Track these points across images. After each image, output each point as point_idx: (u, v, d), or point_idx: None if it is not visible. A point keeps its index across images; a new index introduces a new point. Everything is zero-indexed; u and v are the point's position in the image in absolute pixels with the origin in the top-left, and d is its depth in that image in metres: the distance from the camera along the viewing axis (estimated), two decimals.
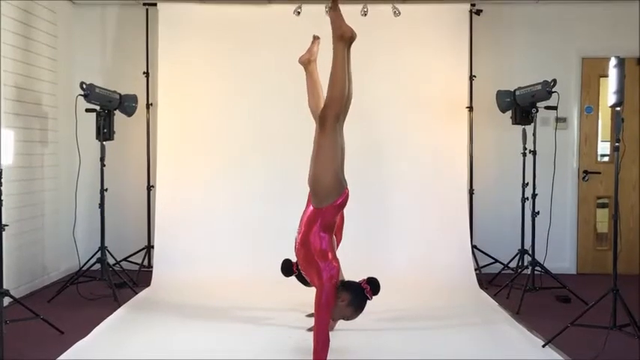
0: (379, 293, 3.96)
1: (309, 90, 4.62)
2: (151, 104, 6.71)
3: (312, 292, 4.13)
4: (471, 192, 6.70)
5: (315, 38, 4.75)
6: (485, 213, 6.82)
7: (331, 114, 3.90)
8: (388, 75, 6.52)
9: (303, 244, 4.01)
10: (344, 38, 3.95)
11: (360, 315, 4.02)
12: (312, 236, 3.96)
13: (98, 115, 5.65)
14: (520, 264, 6.15)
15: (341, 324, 4.32)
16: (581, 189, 6.93)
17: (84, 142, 5.88)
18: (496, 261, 6.53)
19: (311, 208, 4.05)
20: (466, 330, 4.74)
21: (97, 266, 5.76)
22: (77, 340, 4.32)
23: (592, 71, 6.84)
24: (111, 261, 5.99)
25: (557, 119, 6.13)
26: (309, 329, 4.36)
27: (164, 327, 4.75)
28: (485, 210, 6.82)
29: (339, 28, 3.98)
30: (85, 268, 5.75)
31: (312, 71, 4.66)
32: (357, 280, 4.00)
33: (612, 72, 4.27)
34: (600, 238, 6.96)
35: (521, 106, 5.89)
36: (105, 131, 5.70)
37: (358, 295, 3.94)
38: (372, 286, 3.94)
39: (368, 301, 3.98)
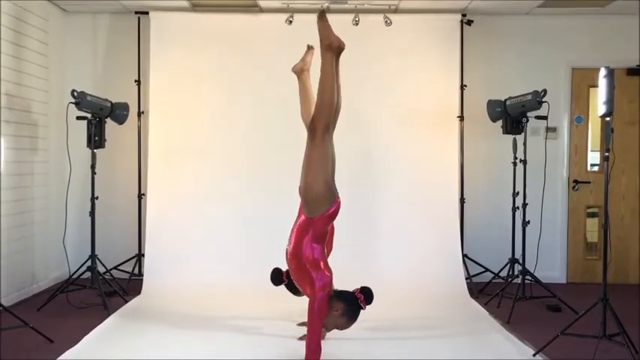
0: (372, 302, 3.97)
1: (302, 99, 4.63)
2: (143, 112, 6.70)
3: (302, 301, 4.14)
4: (462, 201, 6.71)
5: (309, 48, 4.77)
6: (476, 222, 6.84)
7: (320, 124, 3.91)
8: (379, 84, 6.54)
9: (295, 254, 4.01)
10: (332, 48, 3.96)
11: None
12: (304, 247, 3.96)
13: (89, 122, 5.63)
14: (510, 273, 6.16)
15: (332, 333, 4.31)
16: (572, 198, 6.96)
17: (75, 149, 5.87)
18: (487, 270, 6.54)
19: (302, 218, 4.05)
20: (457, 339, 4.74)
21: (87, 274, 5.73)
22: (67, 349, 4.29)
23: (582, 81, 6.88)
24: (101, 269, 5.95)
25: (548, 129, 6.15)
26: (300, 338, 4.36)
27: (154, 336, 4.73)
28: (476, 219, 6.84)
29: (327, 38, 3.99)
30: (75, 277, 5.73)
31: (305, 80, 4.67)
32: (351, 290, 4.00)
33: (602, 82, 4.30)
34: (590, 248, 6.98)
35: (512, 116, 5.91)
36: (96, 139, 5.67)
37: (352, 304, 3.95)
38: (366, 295, 3.95)
39: (361, 311, 3.99)
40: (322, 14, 4.07)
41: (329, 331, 4.22)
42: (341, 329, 4.05)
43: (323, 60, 3.99)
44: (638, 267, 6.87)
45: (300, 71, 4.71)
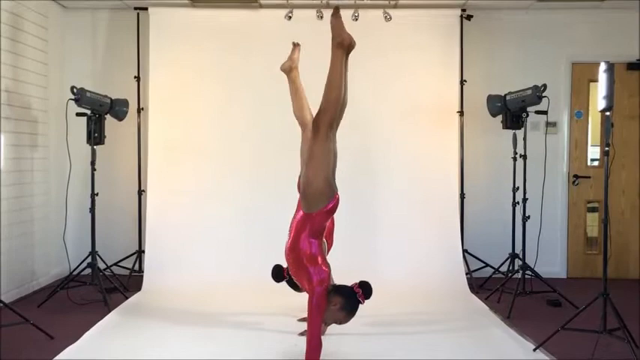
0: (371, 297, 3.97)
1: (293, 97, 4.65)
2: (142, 108, 6.70)
3: (302, 296, 4.14)
4: (462, 196, 6.71)
5: (295, 45, 4.79)
6: (476, 217, 6.84)
7: (325, 120, 3.91)
8: (379, 80, 6.54)
9: (293, 249, 4.01)
10: (343, 46, 3.96)
11: (352, 319, 4.03)
12: (302, 241, 3.96)
13: (89, 119, 5.63)
14: (511, 268, 6.17)
15: (332, 328, 4.31)
16: (572, 193, 6.96)
17: (74, 146, 5.88)
18: (487, 265, 6.54)
19: (301, 213, 4.06)
20: (457, 334, 4.74)
21: (88, 271, 5.73)
22: (67, 346, 4.30)
23: (582, 76, 6.87)
24: (101, 266, 5.97)
25: (548, 124, 6.15)
26: (301, 334, 4.37)
27: (154, 332, 4.74)
28: (476, 214, 6.84)
29: (339, 36, 3.98)
30: (75, 273, 5.73)
31: (295, 78, 4.69)
32: (349, 284, 4.00)
33: (602, 77, 4.29)
34: (590, 243, 6.98)
35: (512, 111, 5.91)
36: (96, 135, 5.67)
37: (351, 298, 3.95)
38: (365, 289, 3.94)
39: (360, 305, 3.98)
40: (336, 11, 4.07)
41: (328, 325, 4.22)
42: (340, 324, 4.05)
43: (333, 57, 3.98)
44: (638, 262, 6.88)
45: (288, 69, 4.72)
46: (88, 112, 5.61)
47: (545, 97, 5.53)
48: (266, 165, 6.42)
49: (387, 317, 5.09)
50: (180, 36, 6.55)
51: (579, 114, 6.92)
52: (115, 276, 6.26)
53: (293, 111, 4.62)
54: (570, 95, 6.90)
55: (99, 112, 5.71)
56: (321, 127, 3.92)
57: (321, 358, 3.77)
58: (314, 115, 4.06)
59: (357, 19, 5.44)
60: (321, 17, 4.84)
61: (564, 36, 6.88)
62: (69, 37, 6.90)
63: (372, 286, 3.97)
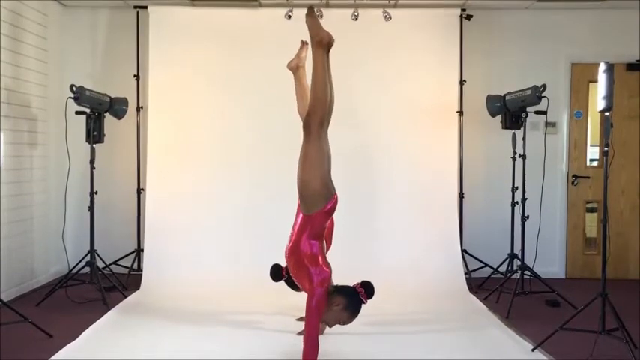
0: (373, 296, 3.97)
1: (298, 96, 4.63)
2: (142, 107, 6.69)
3: (301, 296, 4.13)
4: (461, 196, 6.71)
5: (303, 44, 4.76)
6: (475, 217, 6.84)
7: (315, 120, 3.91)
8: (379, 79, 6.53)
9: (293, 251, 4.00)
10: (322, 44, 3.96)
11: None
12: (302, 243, 3.96)
13: (88, 117, 5.62)
14: (509, 268, 6.18)
15: (332, 328, 4.30)
16: (571, 193, 6.96)
17: (74, 144, 5.86)
18: (486, 265, 6.54)
19: (301, 216, 4.05)
20: (455, 334, 4.74)
21: (87, 269, 5.73)
22: (66, 344, 4.30)
23: (581, 76, 6.87)
24: (100, 264, 5.97)
25: (547, 124, 6.14)
26: (299, 333, 4.36)
27: (153, 331, 4.73)
28: (475, 214, 6.84)
29: (317, 35, 3.99)
30: (74, 272, 5.73)
31: (301, 77, 4.67)
32: (351, 284, 4.00)
33: (601, 77, 4.29)
34: (589, 243, 6.98)
35: (511, 111, 5.91)
36: (95, 134, 5.67)
37: (353, 298, 3.94)
38: (367, 289, 3.94)
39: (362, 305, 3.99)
40: (310, 10, 4.07)
41: (331, 326, 4.19)
42: (343, 324, 4.04)
43: (314, 56, 3.98)
44: (637, 262, 6.88)
45: (295, 68, 4.70)
46: (88, 110, 5.61)
47: (544, 97, 5.53)
48: (266, 164, 6.41)
49: (385, 317, 5.09)
50: (179, 35, 6.54)
51: (579, 114, 6.92)
52: (114, 274, 6.26)
53: (297, 110, 4.61)
54: (570, 95, 6.90)
55: (98, 111, 5.70)
56: (312, 128, 3.91)
57: (321, 358, 3.77)
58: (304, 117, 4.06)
59: (356, 19, 5.45)
60: (321, 16, 4.82)
61: (564, 36, 6.88)
62: (69, 36, 6.89)
63: (373, 284, 3.97)
